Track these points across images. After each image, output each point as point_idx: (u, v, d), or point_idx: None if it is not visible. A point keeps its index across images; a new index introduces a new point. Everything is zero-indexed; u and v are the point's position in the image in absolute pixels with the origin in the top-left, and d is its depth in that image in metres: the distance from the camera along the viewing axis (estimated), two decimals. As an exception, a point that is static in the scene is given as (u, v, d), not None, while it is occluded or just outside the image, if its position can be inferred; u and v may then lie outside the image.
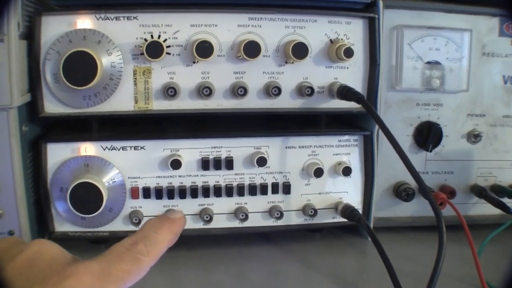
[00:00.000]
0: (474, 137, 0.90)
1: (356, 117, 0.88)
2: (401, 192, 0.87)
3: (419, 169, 0.79)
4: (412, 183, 0.89)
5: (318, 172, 0.82)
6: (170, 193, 0.80)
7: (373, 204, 0.87)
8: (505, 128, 0.91)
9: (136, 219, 0.79)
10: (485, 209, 0.91)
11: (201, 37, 0.77)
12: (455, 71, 0.87)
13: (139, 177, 0.80)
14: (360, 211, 0.86)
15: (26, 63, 0.76)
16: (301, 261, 0.83)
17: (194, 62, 0.78)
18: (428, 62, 0.87)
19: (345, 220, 0.85)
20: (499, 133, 0.91)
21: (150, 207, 0.81)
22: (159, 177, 0.81)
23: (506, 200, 0.88)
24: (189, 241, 0.84)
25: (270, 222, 0.84)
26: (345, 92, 0.79)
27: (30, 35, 0.75)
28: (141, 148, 0.80)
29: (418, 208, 0.91)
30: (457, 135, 0.90)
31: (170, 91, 0.77)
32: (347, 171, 0.83)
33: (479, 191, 0.90)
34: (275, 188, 0.83)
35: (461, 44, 0.87)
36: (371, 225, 0.86)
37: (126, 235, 0.76)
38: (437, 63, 0.87)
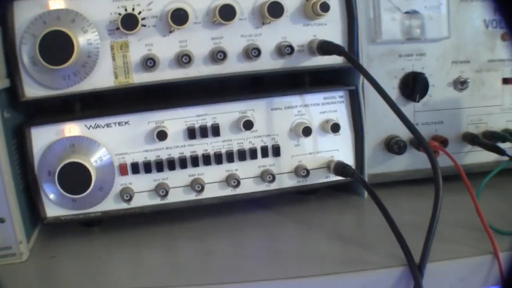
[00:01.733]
0: (460, 84, 0.89)
1: (340, 73, 0.87)
2: (392, 146, 0.87)
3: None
4: (403, 135, 0.87)
5: (307, 131, 0.82)
6: (159, 165, 0.80)
7: (366, 160, 0.85)
8: (491, 73, 0.90)
9: (127, 196, 0.79)
10: (479, 156, 0.91)
11: (175, 6, 0.76)
12: (434, 19, 0.87)
13: (127, 153, 0.79)
14: (353, 167, 0.84)
15: (2, 49, 0.74)
16: (298, 223, 0.82)
17: (170, 32, 0.78)
18: (407, 12, 0.86)
19: (339, 178, 0.84)
20: (485, 79, 0.90)
21: (141, 182, 0.80)
22: (146, 151, 0.80)
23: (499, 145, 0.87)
24: (182, 213, 0.83)
25: (263, 187, 0.83)
26: (325, 46, 0.79)
27: (3, 21, 0.74)
28: (125, 123, 0.79)
29: (411, 161, 0.90)
30: (443, 83, 0.90)
31: (149, 63, 0.76)
32: (335, 128, 0.83)
33: (471, 139, 0.89)
34: (264, 151, 0.82)
35: (436, -12, 0.86)
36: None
37: (118, 214, 0.77)
38: (415, 12, 0.86)
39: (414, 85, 0.87)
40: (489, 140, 0.89)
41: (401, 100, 0.88)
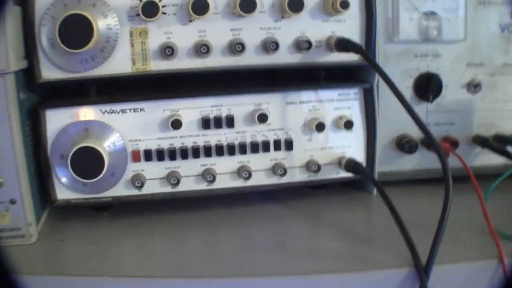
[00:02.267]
0: (474, 86, 0.90)
1: (356, 71, 0.88)
2: (404, 145, 0.87)
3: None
4: (414, 135, 0.88)
5: (320, 127, 0.82)
6: (172, 154, 0.80)
7: (376, 157, 0.86)
8: (504, 76, 0.91)
9: (138, 183, 0.79)
10: (488, 159, 0.91)
11: (196, -5, 0.76)
12: (451, 21, 0.87)
13: (140, 140, 0.79)
14: (364, 165, 0.85)
15: (21, 29, 0.74)
16: (307, 217, 0.82)
17: (190, 21, 0.78)
18: (425, 13, 0.86)
19: (349, 174, 0.84)
20: (498, 82, 0.91)
21: (152, 170, 0.81)
22: (160, 138, 0.80)
23: (509, 149, 0.88)
24: (193, 202, 0.84)
25: (274, 180, 0.84)
26: (343, 44, 0.79)
27: (24, 2, 0.74)
28: (141, 110, 0.79)
29: (421, 160, 0.91)
30: (457, 85, 0.90)
31: (168, 51, 0.76)
32: (348, 125, 0.83)
33: (481, 141, 0.90)
34: (277, 145, 0.83)
35: (456, -9, 0.86)
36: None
37: (129, 200, 0.77)
38: (433, 13, 0.87)
39: (428, 86, 0.87)
40: (499, 143, 0.89)
41: (414, 99, 0.89)
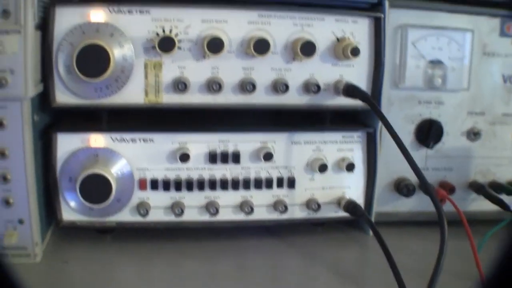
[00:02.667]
0: (473, 134, 0.92)
1: (360, 114, 0.90)
2: (402, 188, 0.90)
3: (420, 166, 0.79)
4: (412, 179, 0.90)
5: (323, 168, 0.84)
6: (178, 185, 0.82)
7: (375, 199, 0.88)
8: (504, 126, 0.93)
9: (143, 210, 0.81)
10: (483, 205, 0.93)
11: (211, 33, 0.78)
12: (456, 70, 0.89)
13: (147, 169, 0.82)
14: (362, 205, 0.88)
15: (40, 53, 0.76)
16: (303, 254, 0.85)
17: (204, 57, 0.79)
18: (431, 61, 0.89)
19: (347, 214, 0.87)
20: (498, 131, 0.94)
21: (158, 199, 0.83)
22: (167, 169, 0.82)
23: (504, 197, 0.91)
24: (195, 233, 0.86)
25: (275, 216, 0.86)
26: (351, 90, 0.81)
27: (44, 26, 0.76)
28: (150, 140, 0.81)
29: (418, 203, 0.93)
30: (457, 132, 0.93)
31: (180, 86, 0.78)
32: (350, 167, 0.85)
33: (477, 188, 0.92)
34: (280, 182, 0.85)
35: (463, 43, 0.89)
36: (373, 220, 0.87)
37: (133, 226, 0.79)
38: (439, 62, 0.89)
39: (429, 132, 0.90)
40: (495, 190, 0.92)
41: (415, 144, 0.91)
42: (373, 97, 0.84)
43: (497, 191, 0.92)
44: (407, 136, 0.90)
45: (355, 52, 0.81)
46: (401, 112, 0.90)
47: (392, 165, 0.90)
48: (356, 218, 0.86)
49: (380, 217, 0.91)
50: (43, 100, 0.78)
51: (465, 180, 0.94)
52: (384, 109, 0.85)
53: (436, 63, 0.89)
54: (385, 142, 0.87)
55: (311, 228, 0.91)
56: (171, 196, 0.83)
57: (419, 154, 0.91)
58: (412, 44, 0.88)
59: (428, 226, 0.88)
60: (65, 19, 0.76)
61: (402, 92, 0.89)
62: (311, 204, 0.86)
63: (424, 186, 0.74)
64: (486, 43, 0.91)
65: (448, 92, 0.90)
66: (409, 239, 0.89)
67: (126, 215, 0.82)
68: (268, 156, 0.82)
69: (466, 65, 0.90)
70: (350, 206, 0.85)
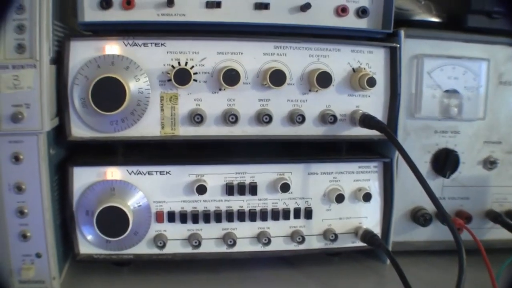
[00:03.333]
0: (490, 163, 0.92)
1: (376, 144, 0.89)
2: (419, 217, 0.89)
3: (436, 195, 0.80)
4: (429, 208, 0.90)
5: (339, 198, 0.84)
6: (195, 217, 0.82)
7: (392, 229, 0.88)
8: (520, 155, 0.93)
9: (160, 243, 0.81)
10: (500, 233, 0.93)
11: (227, 65, 0.78)
12: (472, 100, 0.89)
13: (164, 201, 0.82)
14: (379, 235, 0.87)
15: (55, 87, 0.76)
16: (321, 284, 0.84)
17: (220, 89, 0.79)
18: (447, 91, 0.89)
19: (364, 244, 0.86)
20: (512, 160, 0.93)
21: (175, 231, 0.83)
22: (184, 201, 0.82)
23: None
24: (213, 265, 0.86)
25: (292, 246, 0.86)
26: (367, 121, 0.81)
27: (59, 60, 0.76)
28: (167, 173, 0.81)
29: (434, 232, 0.92)
30: (474, 161, 0.92)
31: (197, 118, 0.78)
32: (367, 197, 0.85)
33: (494, 217, 0.92)
34: (297, 213, 0.85)
35: (479, 73, 0.89)
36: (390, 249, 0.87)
37: (150, 259, 0.79)
38: (455, 91, 0.89)
39: (446, 161, 0.89)
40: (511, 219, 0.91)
41: (431, 174, 0.91)
42: (389, 127, 0.83)
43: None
44: (424, 166, 0.90)
45: (371, 82, 0.81)
46: (417, 141, 0.90)
47: (408, 194, 0.90)
48: (374, 248, 0.86)
49: (397, 246, 0.90)
50: (59, 134, 0.78)
51: (481, 209, 0.94)
52: (400, 139, 0.85)
53: (452, 92, 0.89)
54: (401, 172, 0.87)
55: (328, 258, 0.91)
56: (188, 228, 0.83)
57: (436, 184, 0.91)
58: (427, 73, 0.88)
59: (445, 255, 0.88)
60: (80, 53, 0.77)
61: (418, 121, 0.89)
62: (328, 235, 0.85)
63: (442, 215, 0.74)
64: (502, 72, 0.91)
65: (464, 121, 0.90)
66: (426, 269, 0.89)
67: (143, 248, 0.82)
68: (285, 187, 0.82)
69: (482, 94, 0.90)
70: (368, 236, 0.85)
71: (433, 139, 0.91)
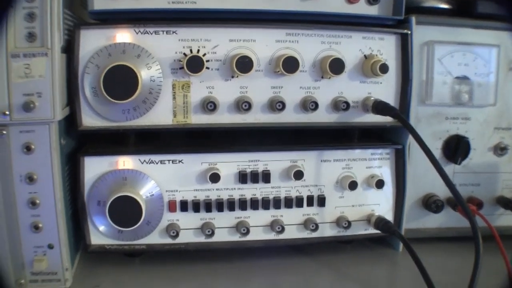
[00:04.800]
0: (500, 149, 0.92)
1: (388, 131, 0.90)
2: (430, 204, 0.89)
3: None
4: (441, 195, 0.90)
5: (352, 185, 0.84)
6: (208, 206, 0.81)
7: (404, 216, 0.88)
8: (531, 141, 0.93)
9: (173, 232, 0.80)
10: (511, 220, 0.93)
11: (239, 52, 0.78)
12: (483, 86, 0.89)
13: (177, 191, 0.81)
14: (395, 224, 0.87)
15: (66, 76, 0.75)
16: (334, 271, 0.84)
17: (232, 77, 0.79)
18: (457, 77, 0.89)
19: (377, 231, 0.86)
20: (523, 146, 0.93)
21: (188, 220, 0.82)
22: (196, 190, 0.82)
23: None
24: (226, 253, 0.85)
25: (305, 234, 0.86)
26: (381, 107, 0.81)
27: (69, 49, 0.75)
28: (179, 161, 0.80)
29: (446, 219, 0.93)
30: (484, 148, 0.92)
31: (210, 106, 0.78)
32: (380, 184, 0.85)
33: (505, 203, 0.92)
34: (310, 201, 0.85)
35: (489, 59, 0.89)
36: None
37: (163, 248, 0.78)
38: (465, 78, 0.89)
39: (457, 148, 0.89)
40: (523, 205, 0.92)
41: (442, 160, 0.91)
42: (401, 113, 0.83)
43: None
44: (435, 152, 0.87)
45: (384, 68, 0.80)
46: (428, 128, 0.90)
47: (420, 181, 0.90)
48: (387, 235, 0.86)
49: (409, 233, 0.90)
50: (70, 123, 0.77)
51: (492, 195, 0.94)
52: (412, 125, 0.84)
53: (462, 79, 0.89)
54: (414, 159, 0.87)
55: (340, 246, 0.90)
56: (201, 217, 0.82)
57: (447, 170, 0.89)
58: (438, 60, 0.88)
59: (457, 241, 0.88)
60: (91, 41, 0.76)
61: (429, 108, 0.89)
62: (341, 222, 0.85)
63: (457, 199, 0.74)
64: (513, 56, 0.90)
65: (475, 107, 0.90)
66: (439, 255, 0.89)
67: (156, 238, 0.81)
68: (298, 175, 0.81)
69: (492, 80, 0.90)
70: (381, 223, 0.85)
71: (444, 126, 0.91)
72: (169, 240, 0.81)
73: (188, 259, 0.85)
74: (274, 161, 0.83)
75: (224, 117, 0.80)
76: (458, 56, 0.88)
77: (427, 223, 0.93)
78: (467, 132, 0.91)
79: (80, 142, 0.84)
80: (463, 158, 0.90)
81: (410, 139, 0.84)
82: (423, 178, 0.89)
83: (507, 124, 0.92)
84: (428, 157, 0.75)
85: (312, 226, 0.84)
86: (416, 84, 0.87)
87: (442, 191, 0.87)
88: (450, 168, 0.92)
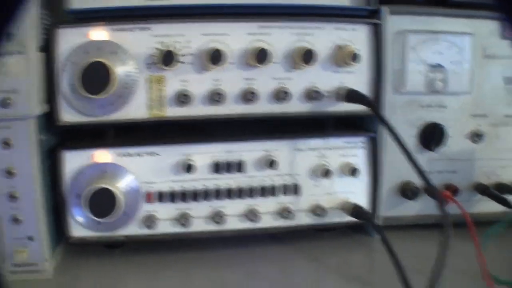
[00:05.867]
0: (476, 136, 0.92)
1: (362, 119, 0.91)
2: (407, 191, 0.90)
3: (424, 169, 0.81)
4: (417, 181, 0.91)
5: (327, 173, 0.85)
6: (184, 196, 0.83)
7: (379, 203, 0.90)
8: (507, 127, 0.94)
9: (151, 223, 0.82)
10: (488, 206, 0.94)
11: (212, 46, 0.79)
12: (457, 74, 0.90)
13: (154, 182, 0.83)
14: (367, 210, 0.88)
15: (44, 74, 0.77)
16: (310, 259, 0.86)
17: (206, 70, 0.80)
18: (432, 66, 0.89)
19: (352, 219, 0.87)
20: (501, 133, 0.94)
21: (164, 211, 0.84)
22: (173, 181, 0.83)
23: (509, 198, 0.91)
24: (202, 243, 0.87)
25: (280, 223, 0.87)
26: (353, 96, 0.82)
27: (47, 47, 0.77)
28: (156, 154, 0.82)
29: (423, 207, 0.93)
30: (460, 135, 0.93)
31: (183, 99, 0.79)
32: (354, 172, 0.86)
33: (482, 189, 0.92)
34: (285, 189, 0.86)
35: (463, 47, 0.90)
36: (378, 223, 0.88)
37: (141, 239, 0.80)
38: (440, 66, 0.89)
39: (433, 136, 0.90)
40: (500, 191, 0.92)
41: (418, 148, 0.92)
42: (374, 102, 0.84)
43: (502, 192, 0.92)
44: (410, 140, 0.90)
45: (355, 58, 0.82)
46: (403, 116, 0.91)
47: (397, 169, 0.91)
48: (362, 222, 0.87)
49: (388, 221, 0.91)
50: (49, 120, 0.79)
51: (469, 182, 0.95)
52: (387, 114, 0.86)
53: (437, 67, 0.89)
54: (389, 146, 0.88)
55: (317, 234, 0.92)
56: (177, 207, 0.84)
57: (423, 158, 0.91)
58: (412, 49, 0.88)
59: (433, 228, 0.87)
60: (68, 40, 0.78)
61: (404, 96, 0.90)
62: (316, 210, 0.86)
63: (426, 184, 0.75)
64: (486, 46, 0.91)
65: (450, 95, 0.91)
66: (415, 242, 0.90)
67: (134, 228, 0.83)
68: (272, 164, 0.82)
69: (467, 68, 0.91)
70: (356, 210, 0.86)
71: (419, 114, 0.92)
72: (147, 231, 0.83)
73: (166, 249, 0.87)
74: (248, 151, 0.84)
75: (198, 109, 0.82)
76: (432, 45, 0.89)
77: (404, 210, 0.94)
78: (442, 120, 0.92)
79: (62, 138, 0.86)
80: (438, 145, 0.91)
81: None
82: (400, 166, 0.89)
83: (483, 111, 0.93)
84: (397, 143, 0.76)
85: (287, 215, 0.85)
86: (390, 72, 0.88)
87: (418, 179, 0.88)
88: (426, 156, 0.92)
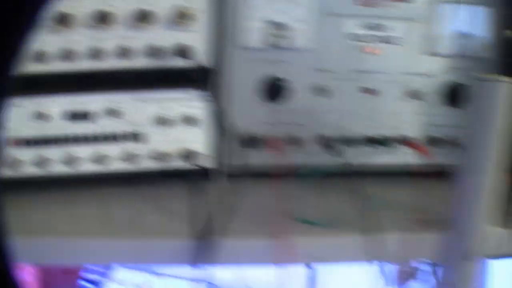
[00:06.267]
0: (321, 91, 0.98)
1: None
2: (249, 141, 0.97)
3: (270, 122, 0.87)
4: (260, 133, 0.98)
5: (168, 123, 0.94)
6: (42, 142, 0.94)
7: (223, 152, 0.98)
8: (351, 82, 0.98)
9: (14, 166, 0.93)
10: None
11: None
12: (300, 30, 0.96)
13: (17, 130, 0.93)
14: (210, 159, 0.97)
15: None
16: (154, 204, 0.95)
17: (57, 32, 0.92)
18: (274, 22, 0.96)
19: (193, 166, 0.96)
20: (346, 87, 0.99)
21: (26, 156, 0.95)
22: (32, 129, 0.94)
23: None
24: (57, 185, 0.97)
25: (127, 168, 0.97)
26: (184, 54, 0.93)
27: None
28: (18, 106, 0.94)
29: (269, 156, 0.98)
30: (305, 89, 0.99)
31: (39, 57, 0.91)
32: (194, 122, 0.95)
33: (325, 142, 0.98)
34: (130, 137, 0.96)
35: (304, 3, 0.97)
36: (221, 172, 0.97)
37: (7, 181, 0.92)
38: (281, 22, 0.96)
39: (276, 91, 0.96)
40: (345, 144, 0.98)
41: (264, 102, 0.99)
42: (215, 60, 0.94)
43: (348, 144, 0.97)
44: (254, 95, 0.97)
45: (193, 17, 0.92)
46: (246, 72, 0.98)
47: (240, 120, 0.98)
48: (201, 170, 0.97)
49: (236, 170, 0.98)
50: None
51: (315, 135, 1.00)
52: (229, 70, 0.94)
53: (278, 23, 0.96)
54: (233, 97, 0.96)
55: (162, 180, 1.01)
56: (37, 152, 0.94)
57: (270, 112, 0.97)
58: (253, 6, 0.96)
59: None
60: None
61: (246, 52, 0.97)
62: (160, 157, 0.95)
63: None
64: (330, 3, 0.97)
65: (293, 51, 0.97)
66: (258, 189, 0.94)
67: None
68: (116, 114, 0.93)
69: (309, 24, 0.97)
70: (191, 156, 0.94)
71: (262, 69, 0.98)
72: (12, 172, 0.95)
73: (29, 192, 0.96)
74: (95, 103, 0.94)
75: (54, 65, 0.93)
76: (273, 1, 0.96)
77: (251, 159, 0.99)
78: (286, 75, 0.98)
79: None
80: (282, 99, 0.97)
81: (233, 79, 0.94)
82: (243, 117, 0.97)
83: (328, 66, 0.98)
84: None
85: (133, 160, 0.95)
86: (231, 29, 0.96)
87: (262, 129, 0.95)
88: (271, 109, 0.98)
